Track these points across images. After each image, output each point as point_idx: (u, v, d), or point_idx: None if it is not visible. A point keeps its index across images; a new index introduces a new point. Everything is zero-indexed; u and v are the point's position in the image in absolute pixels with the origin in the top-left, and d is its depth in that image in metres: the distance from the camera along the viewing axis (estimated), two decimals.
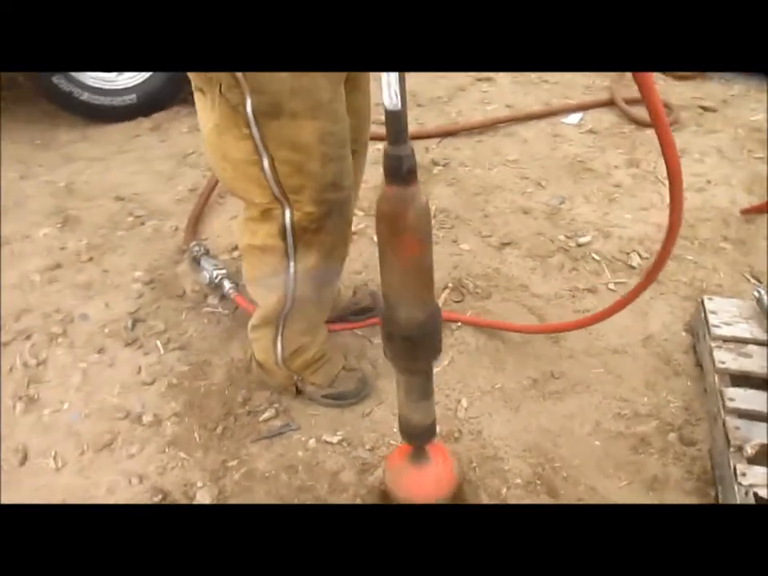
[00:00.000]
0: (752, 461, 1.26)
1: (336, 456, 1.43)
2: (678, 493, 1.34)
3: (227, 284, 1.80)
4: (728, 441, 1.30)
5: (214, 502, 1.34)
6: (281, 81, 1.07)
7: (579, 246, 1.98)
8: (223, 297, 1.83)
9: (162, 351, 1.69)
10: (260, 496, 1.35)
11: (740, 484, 1.22)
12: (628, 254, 1.94)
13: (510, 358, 1.63)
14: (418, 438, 1.17)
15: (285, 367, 1.50)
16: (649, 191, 2.20)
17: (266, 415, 1.52)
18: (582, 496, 1.33)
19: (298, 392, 1.56)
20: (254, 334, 1.49)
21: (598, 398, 1.54)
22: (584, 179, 2.28)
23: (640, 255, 1.92)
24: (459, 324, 1.73)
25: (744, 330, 1.53)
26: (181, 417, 1.53)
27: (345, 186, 1.23)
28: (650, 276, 1.27)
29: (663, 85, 2.84)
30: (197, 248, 1.93)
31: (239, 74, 1.05)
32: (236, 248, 1.97)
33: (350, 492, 1.35)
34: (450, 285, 1.86)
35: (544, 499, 1.33)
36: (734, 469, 1.25)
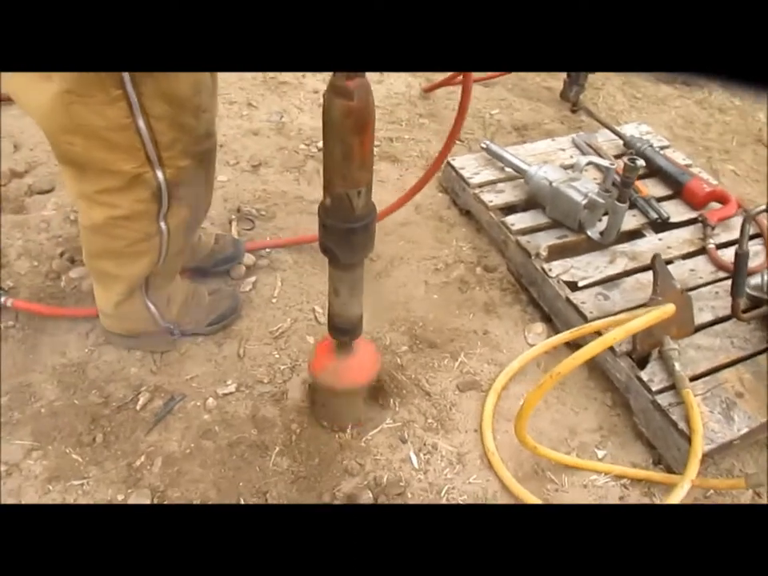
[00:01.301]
0: (548, 260, 1.67)
1: (242, 401, 1.39)
2: (505, 307, 1.69)
3: None
4: (527, 253, 1.68)
5: (156, 502, 1.20)
6: None
7: (319, 149, 2.12)
8: None
9: None
10: (197, 471, 1.25)
11: (551, 277, 1.62)
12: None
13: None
14: (353, 331, 1.23)
15: (164, 321, 1.40)
16: None
17: (142, 401, 1.36)
18: (452, 336, 1.58)
19: (181, 335, 1.47)
20: (119, 310, 1.33)
21: (413, 264, 1.77)
22: (285, 92, 2.38)
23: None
24: (268, 250, 1.74)
25: (489, 174, 1.92)
26: (42, 448, 1.26)
27: (213, 132, 1.19)
28: (439, 159, 1.54)
29: None
30: None
31: None
32: None
33: (279, 424, 1.35)
34: (233, 217, 1.83)
35: (428, 352, 1.54)
36: (542, 269, 1.64)
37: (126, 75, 0.98)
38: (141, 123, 1.04)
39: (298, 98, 2.36)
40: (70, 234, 1.71)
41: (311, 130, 2.20)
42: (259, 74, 2.45)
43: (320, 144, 2.14)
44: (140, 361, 1.44)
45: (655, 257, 1.51)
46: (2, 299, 1.45)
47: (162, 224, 1.20)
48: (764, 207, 1.42)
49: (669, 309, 1.21)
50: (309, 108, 2.32)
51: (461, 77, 2.22)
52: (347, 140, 0.93)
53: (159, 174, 1.12)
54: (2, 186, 1.81)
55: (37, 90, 0.99)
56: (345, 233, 1.04)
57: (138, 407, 1.35)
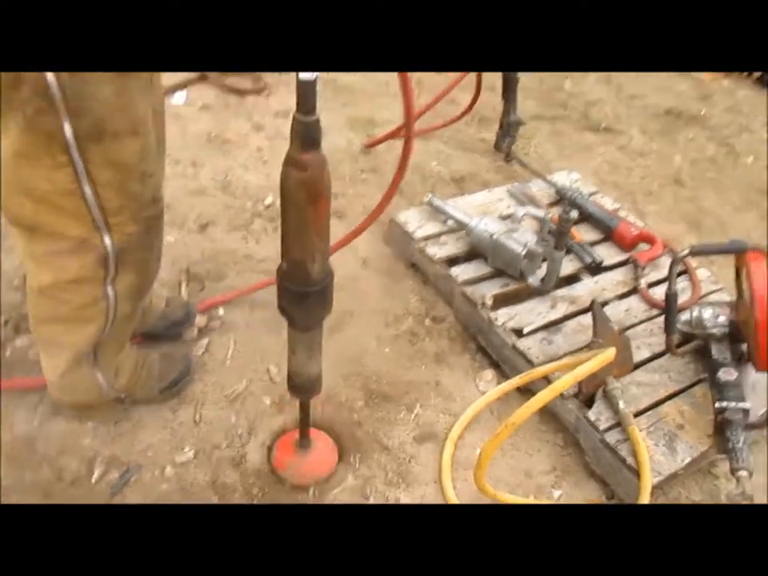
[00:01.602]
0: (493, 308, 1.74)
1: (201, 468, 1.38)
2: (454, 356, 1.74)
3: None
4: (473, 303, 1.75)
5: None
6: (103, 101, 0.97)
7: (267, 207, 2.16)
8: None
9: None
10: None
11: (497, 326, 1.68)
12: None
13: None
14: (311, 390, 1.26)
15: (114, 391, 1.39)
16: (285, 147, 2.49)
17: (96, 474, 1.33)
18: (406, 389, 1.62)
19: (132, 403, 1.46)
20: (65, 380, 1.31)
21: (364, 318, 1.81)
22: (230, 151, 2.42)
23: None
24: (220, 312, 1.75)
25: (432, 227, 1.99)
26: None
27: (161, 197, 1.20)
28: (381, 205, 1.61)
29: None
30: None
31: (56, 97, 0.92)
32: None
33: (240, 489, 1.35)
34: (183, 278, 1.84)
35: (384, 406, 1.57)
36: (489, 318, 1.70)
37: (71, 141, 0.99)
38: (87, 189, 1.05)
39: (243, 156, 2.40)
40: (13, 301, 1.68)
41: (257, 188, 2.24)
42: (202, 133, 2.48)
43: (266, 201, 2.18)
44: (93, 431, 1.41)
45: (593, 302, 1.60)
46: None
47: (109, 289, 1.20)
48: (688, 251, 1.54)
49: (610, 353, 1.29)
50: (253, 166, 2.36)
51: (402, 131, 2.33)
52: (302, 209, 0.98)
53: (106, 240, 1.12)
54: None
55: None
56: (301, 296, 1.07)
57: (93, 480, 1.32)
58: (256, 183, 2.27)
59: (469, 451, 1.48)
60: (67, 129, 0.96)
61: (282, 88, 2.91)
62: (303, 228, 0.99)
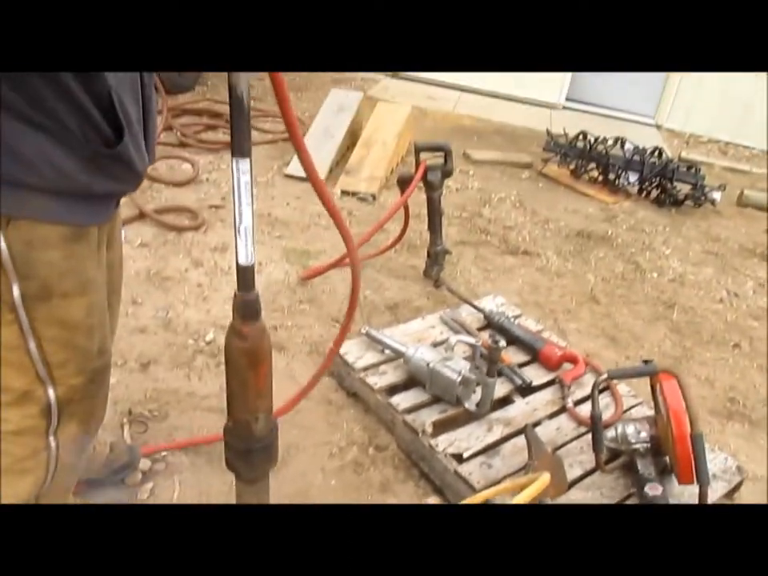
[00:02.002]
0: (433, 435, 1.81)
1: None
2: (399, 484, 1.78)
3: None
4: (414, 431, 1.82)
5: None
6: (50, 265, 1.03)
7: (208, 343, 2.20)
8: None
9: None
10: None
11: (438, 452, 1.75)
12: None
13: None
14: None
15: None
16: (224, 282, 2.58)
17: None
18: None
19: None
20: None
21: (309, 450, 1.84)
22: (170, 288, 2.48)
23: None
24: (164, 453, 1.75)
25: (371, 357, 2.09)
26: None
27: (107, 349, 1.23)
28: (333, 350, 1.68)
29: None
30: None
31: (5, 262, 0.98)
32: None
33: None
34: (125, 420, 1.84)
35: None
36: (429, 445, 1.77)
37: (18, 301, 1.03)
38: (32, 345, 1.08)
39: (183, 292, 2.47)
40: None
41: (198, 324, 2.29)
42: (142, 271, 2.54)
43: (207, 337, 2.23)
44: None
45: (526, 427, 1.71)
46: None
47: (51, 439, 1.20)
48: (605, 376, 1.68)
49: (545, 478, 1.38)
50: (194, 302, 2.42)
51: (345, 260, 2.45)
52: (243, 374, 1.06)
53: (50, 392, 1.14)
54: None
55: None
56: (245, 452, 1.13)
57: None
58: (197, 319, 2.32)
59: None
60: (15, 290, 1.01)
61: (218, 224, 3.04)
62: (245, 391, 1.06)
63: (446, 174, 2.62)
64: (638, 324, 2.80)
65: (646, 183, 4.20)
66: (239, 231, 0.95)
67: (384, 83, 6.16)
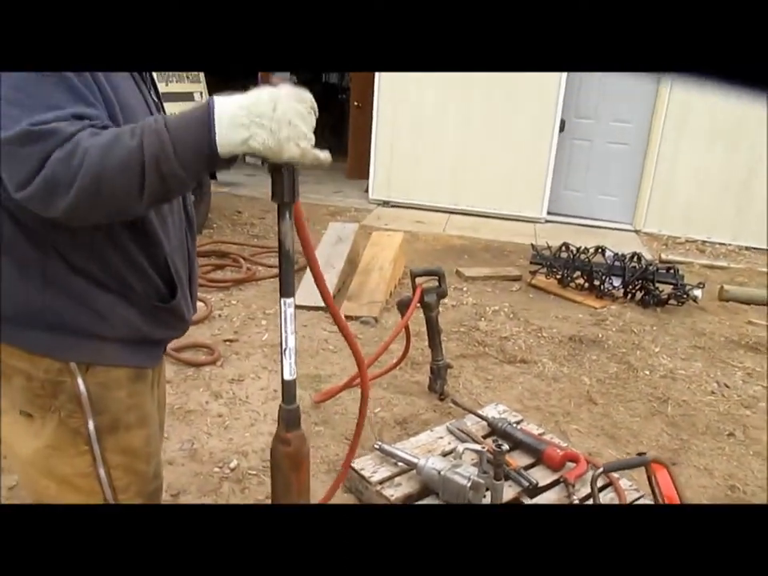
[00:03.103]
0: None
1: None
2: None
3: None
4: None
5: None
6: (119, 401, 1.23)
7: (232, 470, 2.35)
8: None
9: None
10: None
11: None
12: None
13: None
14: None
15: None
16: (243, 410, 2.76)
17: None
18: None
19: None
20: None
21: None
22: (193, 420, 2.65)
23: None
24: None
25: (385, 471, 2.23)
26: None
27: (160, 473, 1.41)
28: (349, 457, 1.85)
29: None
30: None
31: (84, 400, 1.18)
32: None
33: None
34: None
35: None
36: None
37: (93, 434, 1.20)
38: (101, 472, 1.24)
39: (205, 423, 2.64)
40: None
41: (221, 453, 2.45)
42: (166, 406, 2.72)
43: (231, 464, 2.38)
44: None
45: None
46: None
47: None
48: (601, 470, 1.84)
49: None
50: (216, 432, 2.59)
51: (355, 381, 2.64)
52: (287, 476, 1.23)
53: None
54: None
55: (26, 444, 1.21)
56: None
57: None
58: (220, 448, 2.48)
59: None
60: (90, 424, 1.19)
61: (233, 357, 3.27)
62: (289, 491, 1.23)
63: (441, 295, 2.88)
64: (635, 421, 2.95)
65: (630, 286, 4.47)
66: (285, 353, 1.16)
67: (376, 212, 6.63)
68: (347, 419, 2.74)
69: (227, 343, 3.39)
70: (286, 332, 1.17)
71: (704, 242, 6.41)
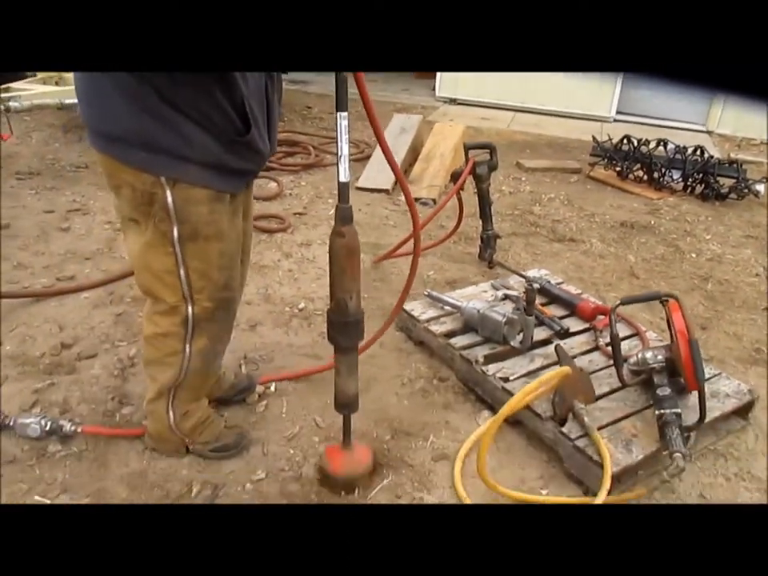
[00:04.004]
0: (485, 365, 2.24)
1: (271, 484, 1.81)
2: (458, 405, 2.21)
3: (65, 422, 1.89)
4: (469, 361, 2.25)
5: None
6: (199, 215, 1.50)
7: (300, 310, 2.72)
8: (65, 437, 1.89)
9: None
10: None
11: (488, 376, 2.17)
12: None
13: (322, 382, 2.25)
14: (350, 406, 1.74)
15: (177, 430, 1.81)
16: (310, 267, 3.11)
17: (195, 491, 1.77)
18: (423, 427, 2.08)
19: (188, 451, 1.88)
20: (150, 407, 1.79)
21: (385, 382, 2.30)
22: (267, 273, 3.03)
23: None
24: (272, 386, 2.24)
25: (432, 312, 2.54)
26: None
27: (233, 287, 1.70)
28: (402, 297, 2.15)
29: None
30: None
31: (171, 210, 1.47)
32: None
33: (301, 495, 1.77)
34: (242, 362, 2.36)
35: (406, 438, 2.02)
36: (482, 371, 2.20)
37: (176, 239, 1.50)
38: (182, 272, 1.56)
39: (277, 276, 3.01)
40: (114, 384, 2.18)
41: (291, 297, 2.82)
42: None
43: (299, 306, 2.75)
44: (188, 465, 1.86)
45: (557, 346, 2.11)
46: (71, 427, 1.88)
47: (187, 346, 1.67)
48: (619, 302, 2.07)
49: (566, 370, 1.78)
50: (287, 283, 2.96)
51: (408, 244, 2.94)
52: (342, 262, 1.53)
53: (189, 309, 1.62)
54: (56, 356, 2.30)
55: (135, 242, 1.56)
56: (343, 325, 1.60)
57: (192, 495, 1.75)
58: (290, 294, 2.85)
59: (473, 466, 1.91)
60: (175, 231, 1.50)
61: (302, 227, 3.60)
62: (343, 275, 1.54)
63: (492, 167, 3.08)
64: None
65: (689, 179, 4.50)
66: (340, 158, 1.44)
67: (442, 109, 6.70)
68: (401, 279, 3.03)
69: (297, 216, 3.73)
70: (340, 141, 1.44)
71: None
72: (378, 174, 4.32)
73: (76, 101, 3.83)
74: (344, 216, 1.50)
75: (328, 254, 1.54)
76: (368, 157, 4.76)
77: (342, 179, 1.47)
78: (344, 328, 1.60)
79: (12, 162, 4.24)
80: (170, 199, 1.46)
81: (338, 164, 1.46)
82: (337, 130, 1.43)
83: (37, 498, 1.72)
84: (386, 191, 4.20)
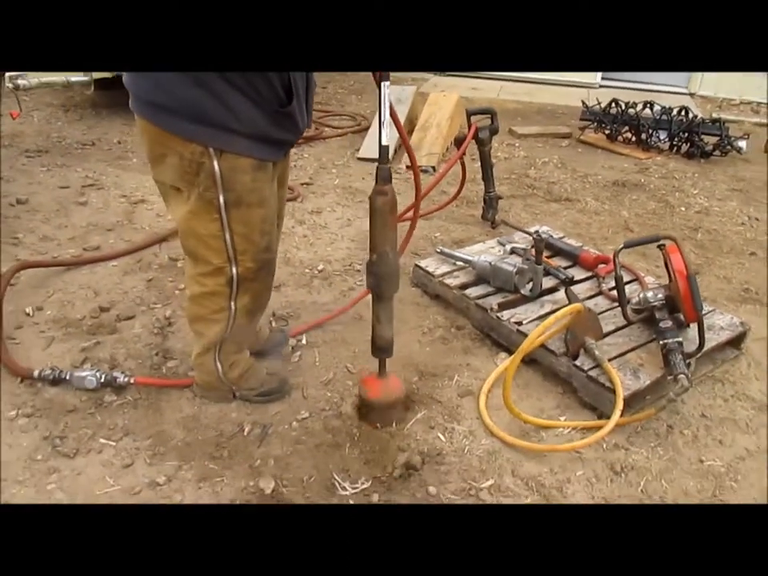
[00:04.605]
0: (498, 311, 2.41)
1: (315, 421, 1.98)
2: (476, 349, 2.39)
3: (119, 374, 2.04)
4: (484, 309, 2.43)
5: (276, 484, 1.75)
6: (243, 184, 1.61)
7: (320, 271, 2.88)
8: (119, 388, 2.05)
9: (114, 453, 1.87)
10: (300, 462, 1.82)
11: (503, 321, 2.35)
12: (350, 264, 2.94)
13: (349, 334, 2.42)
14: (387, 350, 1.91)
15: (226, 380, 1.98)
16: (323, 233, 3.26)
17: (246, 430, 1.94)
18: (446, 369, 2.25)
19: (235, 397, 2.04)
20: (198, 360, 1.96)
21: (406, 333, 2.46)
22: (284, 239, 3.13)
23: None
24: (302, 339, 2.40)
25: (446, 267, 2.71)
26: (187, 464, 1.81)
27: (273, 249, 1.83)
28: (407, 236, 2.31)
29: None
30: (48, 371, 2.06)
31: (217, 179, 1.58)
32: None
33: (344, 430, 1.95)
34: (272, 318, 2.52)
35: (432, 379, 2.20)
36: (497, 317, 2.38)
37: (222, 206, 1.61)
38: (227, 236, 1.68)
39: (294, 241, 3.16)
40: (156, 341, 2.33)
41: (309, 261, 2.97)
42: None
43: (319, 267, 2.91)
44: (236, 409, 2.03)
45: (567, 288, 2.29)
46: (124, 378, 2.04)
47: (232, 303, 1.81)
48: (623, 245, 2.25)
49: (578, 306, 1.96)
50: (303, 247, 3.11)
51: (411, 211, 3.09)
52: (385, 217, 1.69)
53: (233, 269, 1.75)
54: (96, 318, 2.44)
55: (178, 209, 1.69)
56: (382, 275, 1.76)
57: (245, 434, 1.92)
58: (308, 258, 3.00)
59: (497, 400, 2.09)
60: (221, 198, 1.61)
61: (310, 195, 3.74)
62: (385, 228, 1.70)
63: (494, 131, 3.23)
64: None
65: (675, 139, 4.68)
66: (383, 124, 1.59)
67: (433, 80, 6.81)
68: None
69: (304, 185, 3.86)
70: (383, 107, 1.59)
71: (759, 103, 6.40)
72: (377, 144, 4.44)
73: (83, 78, 4.00)
74: (384, 176, 1.65)
75: (369, 211, 1.69)
76: (365, 128, 4.89)
77: (384, 142, 1.61)
78: (383, 278, 1.76)
79: (19, 140, 4.32)
80: (216, 168, 1.56)
81: (379, 128, 1.61)
82: (379, 98, 1.58)
83: (102, 440, 1.87)
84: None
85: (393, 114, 1.76)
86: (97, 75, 4.40)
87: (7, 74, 3.73)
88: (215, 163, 1.56)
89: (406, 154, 4.32)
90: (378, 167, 1.66)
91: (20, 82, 3.77)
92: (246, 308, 1.86)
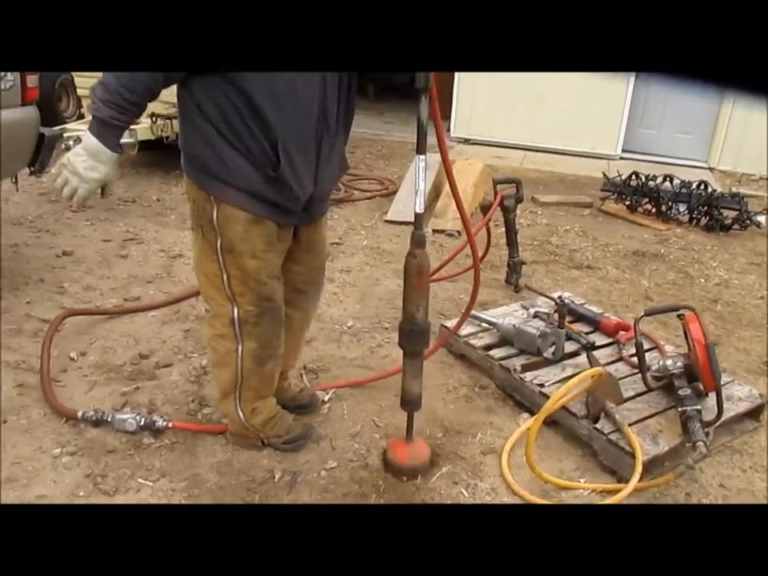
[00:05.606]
0: (521, 372, 2.50)
1: (343, 471, 2.06)
2: (499, 408, 2.46)
3: (157, 418, 2.15)
4: (508, 370, 2.52)
5: None
6: (236, 233, 1.75)
7: (349, 327, 3.00)
8: (158, 431, 2.15)
9: (151, 493, 1.95)
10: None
11: (526, 382, 2.44)
12: (378, 322, 3.06)
13: (376, 389, 2.51)
14: (415, 404, 2.00)
15: (250, 426, 2.06)
16: (352, 291, 3.39)
17: (277, 477, 2.02)
18: (470, 426, 2.33)
19: (264, 444, 2.12)
20: (222, 408, 2.07)
21: (432, 390, 2.55)
22: None
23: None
24: (333, 391, 2.50)
25: (471, 329, 2.81)
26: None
27: (275, 299, 1.91)
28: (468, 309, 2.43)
29: None
30: (91, 413, 2.17)
31: (215, 222, 1.74)
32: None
33: (370, 481, 2.02)
34: (303, 371, 2.62)
35: (457, 436, 2.27)
36: (520, 378, 2.46)
37: (219, 249, 1.76)
38: (224, 277, 1.82)
39: (324, 298, 3.27)
40: (192, 389, 2.44)
41: (339, 317, 3.10)
42: None
43: (348, 324, 3.02)
44: (267, 456, 2.11)
45: (588, 353, 2.37)
46: (162, 422, 2.14)
47: (239, 347, 1.90)
48: (643, 313, 2.35)
49: (599, 369, 2.05)
50: (333, 304, 3.24)
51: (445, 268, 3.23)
52: (413, 280, 1.82)
53: (235, 311, 1.86)
54: (136, 365, 2.57)
55: (194, 249, 1.87)
56: (410, 332, 1.88)
57: (275, 480, 2.00)
58: (338, 314, 3.13)
59: (518, 459, 2.16)
60: (218, 242, 1.77)
61: (340, 255, 3.90)
62: (412, 291, 1.82)
63: (519, 199, 3.39)
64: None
65: (695, 212, 4.81)
66: (417, 193, 1.73)
67: (457, 149, 7.07)
68: (437, 300, 3.33)
69: (334, 245, 4.03)
70: (418, 178, 1.74)
71: None
72: (404, 207, 4.63)
73: (128, 140, 4.32)
74: (418, 241, 1.79)
75: (403, 273, 1.82)
76: (393, 193, 5.09)
77: (418, 210, 1.76)
78: (412, 335, 1.87)
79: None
80: (214, 215, 1.74)
81: (415, 197, 1.76)
82: (415, 170, 1.74)
83: (140, 480, 1.97)
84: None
85: (452, 186, 1.93)
86: (141, 137, 4.68)
87: (65, 134, 4.00)
88: (214, 210, 1.75)
89: (431, 218, 4.50)
90: (413, 233, 1.79)
91: (71, 143, 4.03)
92: (252, 353, 1.94)
